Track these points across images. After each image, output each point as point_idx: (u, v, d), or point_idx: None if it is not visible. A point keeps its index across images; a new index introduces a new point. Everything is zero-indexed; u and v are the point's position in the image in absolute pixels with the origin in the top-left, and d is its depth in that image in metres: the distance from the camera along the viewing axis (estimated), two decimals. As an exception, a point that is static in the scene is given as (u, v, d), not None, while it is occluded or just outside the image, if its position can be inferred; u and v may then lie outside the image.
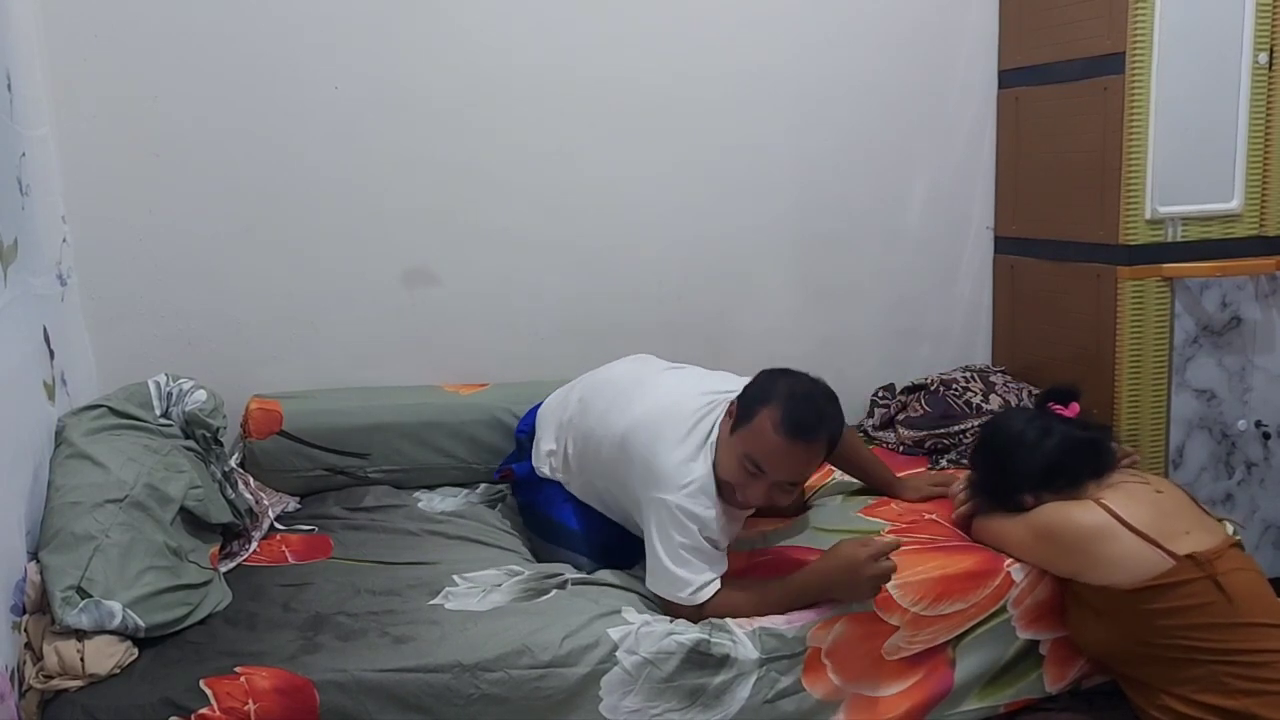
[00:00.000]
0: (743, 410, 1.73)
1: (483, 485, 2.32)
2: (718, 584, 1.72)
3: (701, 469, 1.74)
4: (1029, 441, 1.86)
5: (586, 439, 1.96)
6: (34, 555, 1.62)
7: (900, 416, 2.56)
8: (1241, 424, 2.49)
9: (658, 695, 1.63)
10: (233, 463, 2.15)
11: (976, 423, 2.40)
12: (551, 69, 2.43)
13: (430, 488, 2.30)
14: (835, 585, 1.71)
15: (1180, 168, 2.34)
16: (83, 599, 1.51)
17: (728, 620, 1.70)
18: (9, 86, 1.82)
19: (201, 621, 1.66)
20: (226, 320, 2.33)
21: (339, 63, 2.31)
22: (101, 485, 1.68)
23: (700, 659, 1.65)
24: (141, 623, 1.55)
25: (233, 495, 1.99)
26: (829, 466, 2.14)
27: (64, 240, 2.13)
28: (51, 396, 1.87)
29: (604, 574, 1.86)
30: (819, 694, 1.71)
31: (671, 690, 1.63)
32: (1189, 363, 2.44)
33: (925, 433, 2.47)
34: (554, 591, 1.79)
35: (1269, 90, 2.35)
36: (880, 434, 2.59)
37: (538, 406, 2.20)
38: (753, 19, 2.55)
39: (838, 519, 2.08)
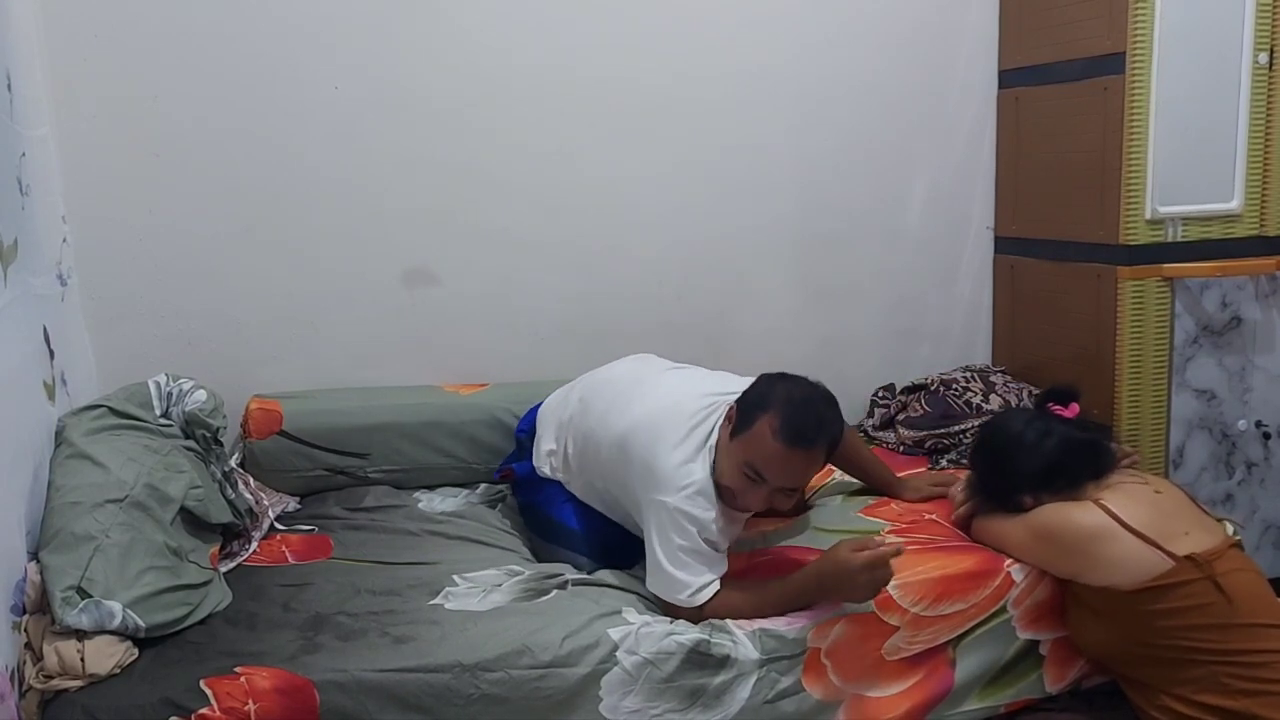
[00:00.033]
0: (741, 416, 1.72)
1: (483, 485, 2.32)
2: (717, 586, 1.72)
3: (701, 471, 1.74)
4: (1028, 442, 1.86)
5: (586, 439, 1.96)
6: (34, 555, 1.62)
7: (900, 416, 2.56)
8: (1242, 424, 2.49)
9: (658, 695, 1.63)
10: (233, 463, 2.15)
11: (976, 423, 2.40)
12: (551, 69, 2.43)
13: (430, 488, 2.30)
14: (830, 590, 1.71)
15: (1180, 168, 2.34)
16: (83, 599, 1.51)
17: (728, 621, 1.70)
18: (9, 86, 1.81)
19: (201, 621, 1.66)
20: (226, 320, 2.33)
21: (339, 63, 2.31)
22: (101, 485, 1.68)
23: (700, 659, 1.65)
24: (141, 623, 1.55)
25: (233, 495, 1.99)
26: (829, 466, 2.14)
27: (64, 240, 2.13)
28: (51, 396, 1.87)
29: (604, 574, 1.87)
30: (819, 694, 1.71)
31: (672, 690, 1.63)
32: (1189, 363, 2.44)
33: (925, 433, 2.47)
34: (554, 592, 1.79)
35: (1269, 90, 2.35)
36: (880, 434, 2.59)
37: (538, 406, 2.20)
38: (753, 19, 2.55)
39: (838, 519, 2.08)
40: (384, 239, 2.40)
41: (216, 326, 2.33)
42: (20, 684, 1.48)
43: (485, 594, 1.78)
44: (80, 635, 1.50)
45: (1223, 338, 2.46)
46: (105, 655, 1.50)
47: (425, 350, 2.47)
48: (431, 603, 1.74)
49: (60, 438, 1.80)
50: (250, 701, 1.47)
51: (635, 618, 1.69)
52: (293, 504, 2.22)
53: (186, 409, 2.02)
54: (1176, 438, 2.46)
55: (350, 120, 2.33)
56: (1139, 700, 1.77)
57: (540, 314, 2.53)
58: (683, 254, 2.60)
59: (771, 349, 2.54)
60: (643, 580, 1.78)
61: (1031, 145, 2.64)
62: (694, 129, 2.55)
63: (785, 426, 1.66)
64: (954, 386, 2.56)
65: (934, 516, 2.05)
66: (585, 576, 1.86)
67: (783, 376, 1.77)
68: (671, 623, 1.69)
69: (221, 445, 2.07)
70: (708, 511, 1.72)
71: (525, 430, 2.20)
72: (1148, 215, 2.33)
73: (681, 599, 1.70)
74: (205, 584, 1.72)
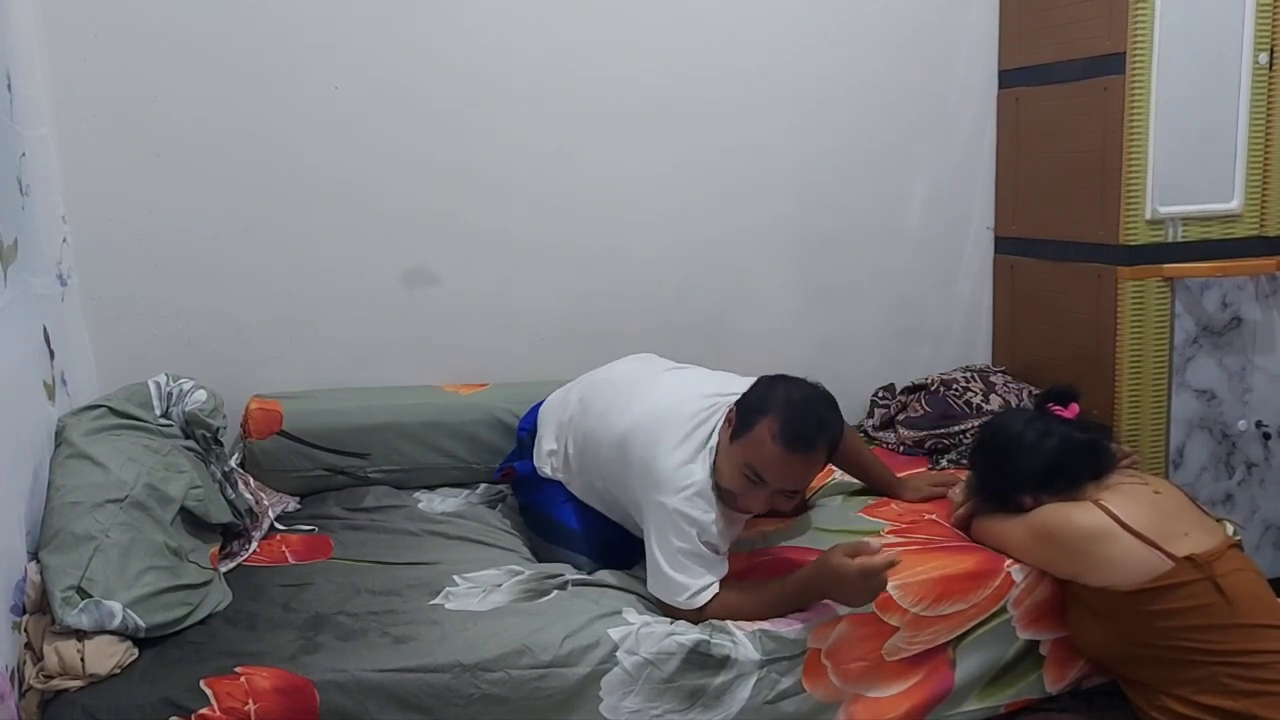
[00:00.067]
0: (741, 419, 1.72)
1: (483, 485, 2.32)
2: (716, 588, 1.71)
3: (701, 472, 1.74)
4: (1028, 443, 1.86)
5: (586, 439, 1.96)
6: (34, 555, 1.62)
7: (900, 417, 2.56)
8: (1242, 424, 2.49)
9: (658, 696, 1.63)
10: (233, 463, 2.15)
11: (976, 423, 2.40)
12: (551, 69, 2.43)
13: (430, 488, 2.30)
14: (826, 594, 1.71)
15: (1180, 168, 2.34)
16: (83, 599, 1.51)
17: (728, 621, 1.70)
18: (9, 86, 1.81)
19: (201, 621, 1.66)
20: (226, 320, 2.33)
21: (339, 63, 2.30)
22: (101, 485, 1.68)
23: (700, 660, 1.64)
24: (142, 623, 1.55)
25: (233, 495, 1.99)
26: (830, 466, 2.14)
27: (64, 240, 2.13)
28: (51, 396, 1.87)
29: (604, 574, 1.86)
30: (819, 695, 1.71)
31: (672, 691, 1.63)
32: (1189, 363, 2.44)
33: (925, 433, 2.47)
34: (554, 592, 1.79)
35: (1269, 90, 2.35)
36: (880, 434, 2.59)
37: (539, 404, 2.20)
38: (753, 19, 2.55)
39: (838, 519, 2.08)
40: (384, 239, 2.40)
41: (216, 326, 2.33)
42: (20, 684, 1.48)
43: (485, 594, 1.78)
44: (80, 635, 1.50)
45: (1223, 338, 2.46)
46: (105, 655, 1.50)
47: (425, 350, 2.47)
48: (431, 603, 1.74)
49: (60, 438, 1.80)
50: (250, 701, 1.47)
51: (635, 618, 1.69)
52: (293, 504, 2.22)
53: (186, 409, 2.02)
54: (1176, 438, 2.46)
55: (350, 120, 2.33)
56: (1139, 701, 1.77)
57: (540, 314, 2.53)
58: (683, 254, 2.60)
59: (771, 349, 2.54)
60: (643, 580, 1.78)
61: (1031, 145, 2.64)
62: (694, 129, 2.55)
63: (785, 430, 1.66)
64: (954, 386, 2.56)
65: (934, 516, 2.05)
66: (585, 577, 1.86)
67: (782, 378, 1.77)
68: (672, 623, 1.69)
69: (221, 445, 2.06)
70: (707, 513, 1.72)
71: (526, 429, 2.20)
72: (1148, 215, 2.33)
73: (680, 601, 1.70)
74: (205, 584, 1.72)
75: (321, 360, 2.40)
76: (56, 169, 2.13)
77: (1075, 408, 1.93)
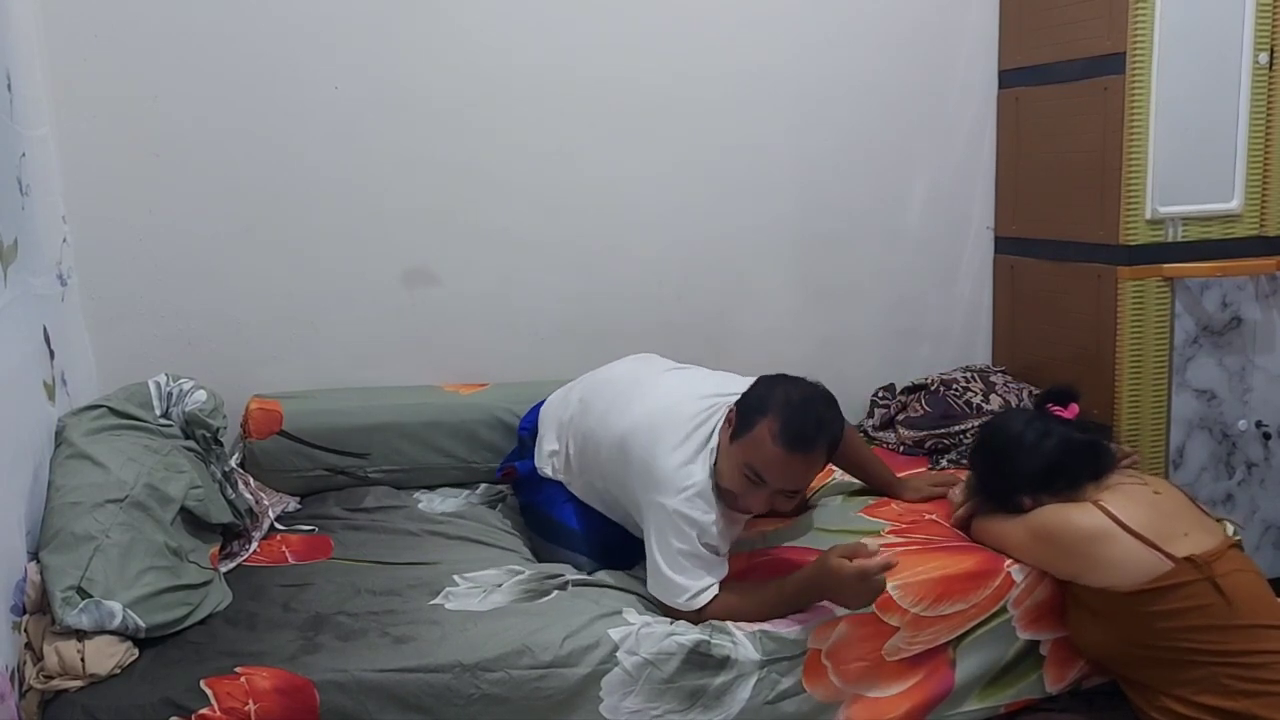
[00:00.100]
0: (741, 420, 1.72)
1: (483, 485, 2.32)
2: (715, 590, 1.71)
3: (701, 473, 1.74)
4: (1028, 443, 1.86)
5: (586, 439, 1.96)
6: (34, 555, 1.62)
7: (900, 417, 2.56)
8: (1242, 424, 2.49)
9: (658, 696, 1.63)
10: (233, 463, 2.15)
11: (977, 423, 2.40)
12: (551, 69, 2.43)
13: (430, 488, 2.30)
14: (824, 595, 1.71)
15: (1180, 168, 2.34)
16: (83, 599, 1.51)
17: (728, 622, 1.70)
18: (9, 86, 1.81)
19: (202, 621, 1.66)
20: (226, 320, 2.33)
21: (339, 63, 2.30)
22: (101, 485, 1.68)
23: (701, 660, 1.64)
24: (142, 623, 1.55)
25: (233, 495, 1.99)
26: (830, 466, 2.14)
27: (64, 240, 2.13)
28: (51, 396, 1.87)
29: (604, 575, 1.87)
30: (819, 695, 1.71)
31: (672, 691, 1.63)
32: (1189, 363, 2.44)
33: (925, 433, 2.47)
34: (555, 592, 1.79)
35: (1269, 90, 2.36)
36: (880, 434, 2.59)
37: (540, 404, 2.20)
38: (753, 19, 2.55)
39: (839, 519, 2.08)
40: (384, 239, 2.40)
41: (216, 326, 2.33)
42: (20, 684, 1.48)
43: (485, 594, 1.78)
44: (80, 635, 1.50)
45: (1223, 338, 2.46)
46: (105, 655, 1.50)
47: (425, 350, 2.47)
48: (432, 603, 1.74)
49: (60, 438, 1.80)
50: (250, 701, 1.47)
51: (635, 618, 1.69)
52: (293, 504, 2.22)
53: (186, 409, 2.02)
54: (1176, 438, 2.46)
55: (350, 120, 2.33)
56: (1139, 701, 1.77)
57: (540, 314, 2.53)
58: (683, 254, 2.60)
59: (771, 349, 2.54)
60: (643, 581, 1.78)
61: (1031, 145, 2.64)
62: (694, 129, 2.55)
63: (785, 430, 1.66)
64: (954, 386, 2.56)
65: (934, 516, 2.05)
66: (585, 577, 1.86)
67: (782, 378, 1.76)
68: (672, 623, 1.69)
69: (221, 445, 2.06)
70: (707, 514, 1.72)
71: (527, 429, 2.20)
72: (1148, 215, 2.33)
73: (679, 603, 1.70)
74: (205, 584, 1.72)
75: (321, 360, 2.40)
76: (56, 169, 2.13)
77: (1075, 408, 1.93)
